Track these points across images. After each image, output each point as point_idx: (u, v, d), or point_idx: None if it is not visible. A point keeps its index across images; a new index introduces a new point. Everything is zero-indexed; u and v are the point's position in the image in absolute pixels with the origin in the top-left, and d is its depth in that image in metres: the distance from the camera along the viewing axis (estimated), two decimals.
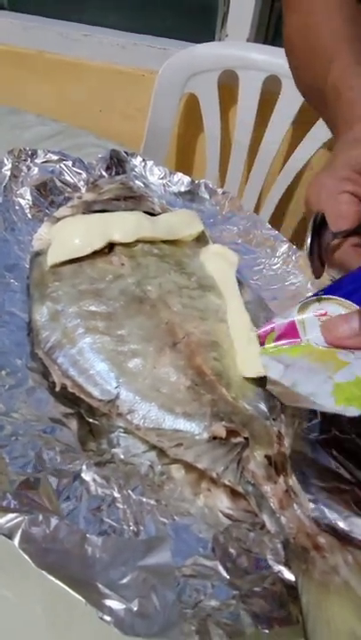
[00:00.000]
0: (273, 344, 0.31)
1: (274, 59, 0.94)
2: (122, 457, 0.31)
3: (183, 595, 0.23)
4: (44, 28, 1.16)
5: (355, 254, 0.32)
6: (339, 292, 0.31)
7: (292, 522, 0.26)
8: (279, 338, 0.31)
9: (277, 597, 0.23)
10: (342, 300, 0.30)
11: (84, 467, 0.29)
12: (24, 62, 1.12)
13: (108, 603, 0.22)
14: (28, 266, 0.43)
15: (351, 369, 0.26)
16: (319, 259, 0.33)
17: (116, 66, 1.09)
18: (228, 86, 0.95)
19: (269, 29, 1.06)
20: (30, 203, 0.49)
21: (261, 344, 0.32)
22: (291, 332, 0.31)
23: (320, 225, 0.33)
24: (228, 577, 0.24)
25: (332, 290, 0.31)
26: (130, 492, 0.28)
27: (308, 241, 0.33)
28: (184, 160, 1.08)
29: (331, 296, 0.31)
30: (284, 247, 0.48)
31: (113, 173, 0.53)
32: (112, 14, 1.16)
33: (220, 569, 0.25)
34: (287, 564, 0.25)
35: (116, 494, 0.28)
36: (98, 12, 1.20)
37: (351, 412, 0.24)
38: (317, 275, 0.34)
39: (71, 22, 1.17)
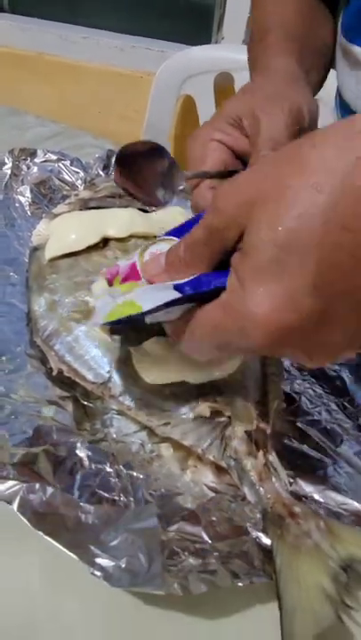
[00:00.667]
0: (119, 286, 0.33)
1: None
2: (114, 436, 0.33)
3: (167, 552, 0.25)
4: (43, 30, 1.19)
5: (209, 196, 0.32)
6: (176, 233, 0.32)
7: (270, 493, 0.28)
8: (124, 280, 0.33)
9: (254, 558, 0.26)
10: (175, 239, 0.30)
11: (78, 444, 0.31)
12: (24, 64, 1.14)
13: (99, 561, 0.24)
14: (27, 260, 0.45)
15: (133, 294, 0.28)
16: None
17: (115, 68, 1.11)
18: (224, 88, 0.97)
19: None
20: (30, 200, 0.52)
21: (110, 285, 0.34)
22: (133, 273, 0.32)
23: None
24: (210, 541, 0.26)
25: (173, 232, 0.32)
26: (121, 467, 0.30)
27: None
28: (180, 160, 1.10)
29: (167, 237, 0.32)
30: None
31: (109, 172, 0.55)
32: (110, 17, 1.18)
33: (203, 534, 0.27)
34: (264, 531, 0.27)
35: (109, 469, 0.30)
36: (96, 15, 1.22)
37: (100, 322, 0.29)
38: None
39: (70, 25, 1.19)
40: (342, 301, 0.21)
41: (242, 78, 0.97)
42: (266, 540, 0.27)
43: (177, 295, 0.24)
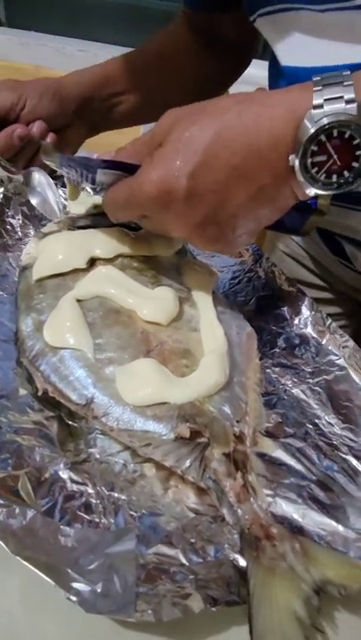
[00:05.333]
0: None
1: (263, 72, 0.96)
2: (97, 456, 0.33)
3: (143, 579, 0.25)
4: (40, 43, 1.20)
5: None
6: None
7: (247, 514, 0.29)
8: None
9: (230, 581, 0.26)
10: None
11: (61, 465, 0.31)
12: (21, 77, 1.16)
13: (76, 585, 0.25)
14: (17, 279, 0.46)
15: None
16: None
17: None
18: None
19: (259, 45, 1.09)
20: (21, 222, 0.52)
21: None
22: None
23: None
24: (187, 564, 0.27)
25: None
26: (103, 488, 0.31)
27: None
28: None
29: None
30: (263, 259, 0.51)
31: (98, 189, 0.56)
32: (107, 30, 1.20)
33: (181, 557, 0.27)
34: (241, 552, 0.27)
35: (90, 490, 0.31)
36: (93, 28, 1.23)
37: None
38: None
39: (67, 38, 1.21)
40: (205, 189, 0.32)
41: (236, 89, 0.98)
42: (243, 563, 0.27)
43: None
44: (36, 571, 0.24)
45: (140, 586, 0.25)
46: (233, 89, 0.98)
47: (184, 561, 0.27)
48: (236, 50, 0.63)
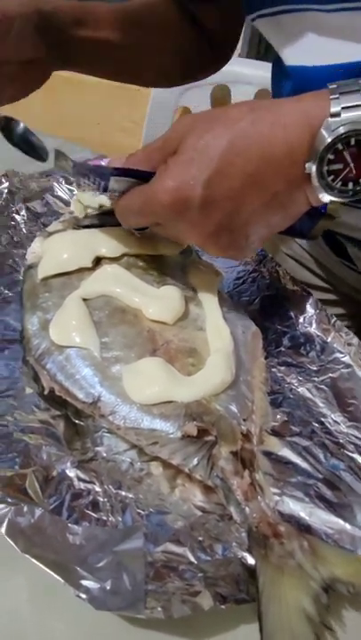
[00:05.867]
0: None
1: (265, 73, 0.97)
2: (104, 455, 0.33)
3: (152, 577, 0.25)
4: None
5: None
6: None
7: (255, 512, 0.29)
8: None
9: (239, 579, 0.26)
10: None
11: (68, 464, 0.31)
12: None
13: (85, 583, 0.25)
14: (22, 278, 0.46)
15: None
16: None
17: (113, 81, 1.13)
18: (220, 99, 0.98)
19: (261, 45, 1.10)
20: (25, 218, 0.52)
21: None
22: None
23: None
24: (195, 562, 0.27)
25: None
26: (110, 486, 0.31)
27: None
28: None
29: None
30: (267, 259, 0.51)
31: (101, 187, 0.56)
32: None
33: (189, 554, 0.27)
34: (249, 551, 0.27)
35: (98, 488, 0.31)
36: None
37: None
38: None
39: None
40: (220, 197, 0.32)
41: (238, 90, 0.98)
42: (251, 560, 0.27)
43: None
44: (46, 569, 0.24)
45: (150, 583, 0.25)
46: (235, 90, 0.98)
47: (192, 559, 0.27)
48: (216, 42, 0.62)
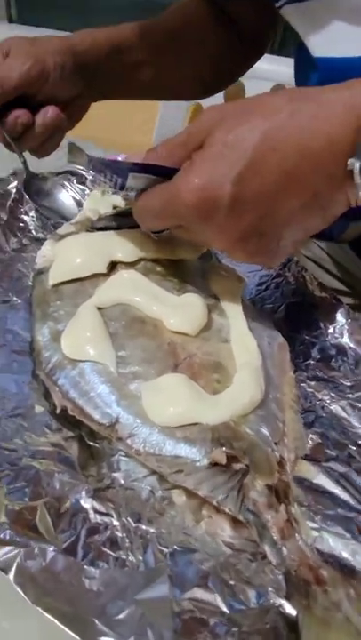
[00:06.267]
0: None
1: (280, 68, 0.94)
2: (122, 482, 0.30)
3: (180, 632, 0.22)
4: None
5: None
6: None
7: (293, 553, 0.26)
8: None
9: (277, 634, 0.23)
10: None
11: (83, 493, 0.28)
12: None
13: None
14: (31, 283, 0.43)
15: None
16: None
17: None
18: (234, 96, 0.95)
19: (275, 40, 1.06)
20: (34, 220, 0.50)
21: None
22: None
23: None
24: (227, 611, 0.24)
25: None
26: (129, 519, 0.28)
27: None
28: None
29: None
30: (292, 263, 0.48)
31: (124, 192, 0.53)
32: None
33: (220, 602, 0.24)
34: (288, 598, 0.24)
35: (115, 522, 0.28)
36: (104, 25, 1.21)
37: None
38: None
39: None
40: (252, 196, 0.29)
41: (253, 86, 0.95)
42: (290, 609, 0.24)
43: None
44: (59, 624, 0.21)
45: None
46: (250, 86, 0.95)
47: (224, 608, 0.24)
48: (250, 36, 0.59)
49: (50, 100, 0.46)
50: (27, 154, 0.48)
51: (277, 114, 0.28)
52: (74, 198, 0.54)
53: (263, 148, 0.28)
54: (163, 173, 0.32)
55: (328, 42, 0.44)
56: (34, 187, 0.47)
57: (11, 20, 1.22)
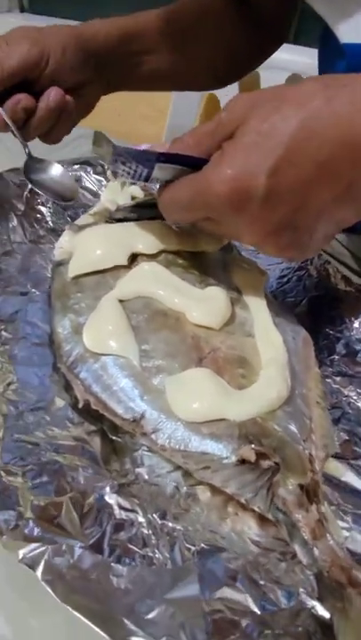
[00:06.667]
0: None
1: (296, 57, 0.92)
2: (146, 477, 0.30)
3: (212, 633, 0.22)
4: None
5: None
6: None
7: (325, 554, 0.25)
8: None
9: (312, 636, 0.22)
10: None
11: (107, 489, 0.28)
12: None
13: None
14: (49, 275, 0.42)
15: None
16: None
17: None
18: (249, 86, 0.94)
19: (291, 29, 1.04)
20: (51, 210, 0.49)
21: None
22: None
23: None
24: (258, 612, 0.23)
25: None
26: (154, 515, 0.27)
27: None
28: None
29: None
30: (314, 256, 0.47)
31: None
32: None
33: (250, 603, 0.23)
34: (320, 599, 0.24)
35: (141, 519, 0.27)
36: (116, 14, 1.19)
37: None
38: None
39: None
40: (287, 188, 0.28)
41: (268, 76, 0.93)
42: (322, 611, 0.23)
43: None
44: (89, 623, 0.21)
45: None
46: (266, 76, 0.93)
47: (255, 609, 0.23)
48: (269, 24, 0.58)
49: (54, 85, 0.44)
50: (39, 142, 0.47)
51: (313, 101, 0.27)
52: (90, 189, 0.53)
53: (299, 136, 0.27)
54: (190, 164, 0.31)
55: (357, 28, 0.42)
56: (32, 169, 0.45)
57: (22, 10, 1.21)
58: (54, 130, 0.46)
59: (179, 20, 0.55)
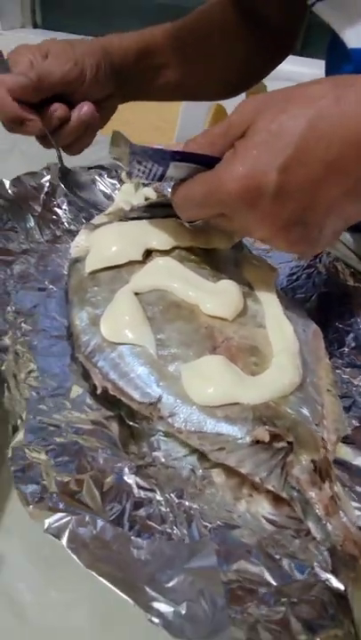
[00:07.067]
0: None
1: (302, 69, 0.94)
2: (163, 460, 0.31)
3: (231, 599, 0.22)
4: None
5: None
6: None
7: (338, 529, 0.26)
8: None
9: (327, 605, 0.23)
10: None
11: (126, 470, 0.29)
12: None
13: (157, 605, 0.22)
14: (65, 272, 0.44)
15: None
16: None
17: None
18: None
19: (297, 40, 1.06)
20: (67, 212, 0.51)
21: None
22: None
23: None
24: (274, 583, 0.24)
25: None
26: (172, 495, 0.28)
27: None
28: None
29: None
30: (323, 253, 0.48)
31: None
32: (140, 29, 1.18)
33: (267, 575, 0.24)
34: (334, 572, 0.24)
35: (159, 497, 0.28)
36: (127, 29, 1.23)
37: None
38: None
39: None
40: (297, 185, 0.29)
41: (274, 87, 0.96)
42: (337, 584, 0.24)
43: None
44: (113, 587, 0.22)
45: (229, 608, 0.22)
46: (272, 87, 0.95)
47: (271, 580, 0.24)
48: (278, 35, 0.60)
49: (84, 99, 0.47)
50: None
51: (321, 100, 0.28)
52: (104, 192, 0.55)
53: (308, 136, 0.28)
54: (204, 162, 0.32)
55: None
56: (70, 179, 0.48)
57: (35, 26, 1.25)
58: (79, 141, 0.49)
59: (191, 35, 0.57)
